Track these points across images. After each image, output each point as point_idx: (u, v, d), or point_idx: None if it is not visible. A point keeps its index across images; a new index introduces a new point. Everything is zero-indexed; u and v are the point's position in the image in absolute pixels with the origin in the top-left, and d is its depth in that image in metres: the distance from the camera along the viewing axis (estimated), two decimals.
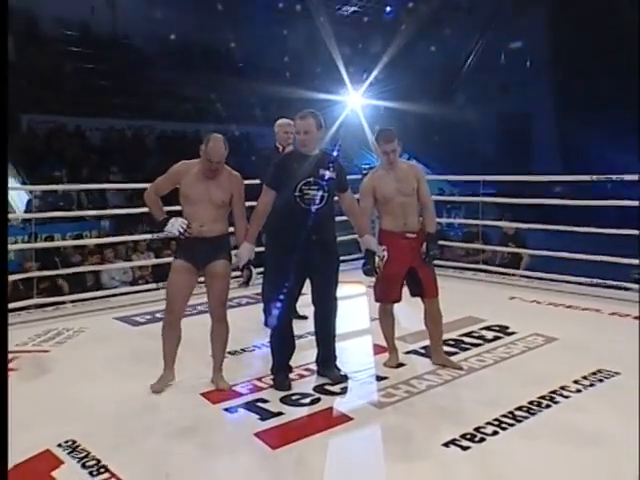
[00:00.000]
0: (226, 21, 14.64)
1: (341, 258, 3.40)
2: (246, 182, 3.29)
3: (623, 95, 11.65)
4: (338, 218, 3.44)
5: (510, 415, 2.81)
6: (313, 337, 3.40)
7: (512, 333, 4.05)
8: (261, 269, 4.30)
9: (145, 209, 3.42)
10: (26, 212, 8.60)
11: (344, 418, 2.84)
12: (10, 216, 6.03)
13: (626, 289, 5.08)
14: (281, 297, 3.22)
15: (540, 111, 16.10)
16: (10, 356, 3.72)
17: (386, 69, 14.42)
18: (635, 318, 4.30)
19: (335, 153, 3.34)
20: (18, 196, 9.63)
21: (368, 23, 17.23)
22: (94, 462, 2.48)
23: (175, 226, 3.07)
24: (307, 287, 3.29)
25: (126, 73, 13.16)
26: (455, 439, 2.59)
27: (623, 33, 11.92)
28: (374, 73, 14.32)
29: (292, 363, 3.34)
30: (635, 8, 11.38)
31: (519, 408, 2.88)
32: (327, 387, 3.20)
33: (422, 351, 3.71)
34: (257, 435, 2.67)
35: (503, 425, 2.72)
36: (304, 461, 2.51)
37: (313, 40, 14.38)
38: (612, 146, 11.68)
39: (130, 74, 13.20)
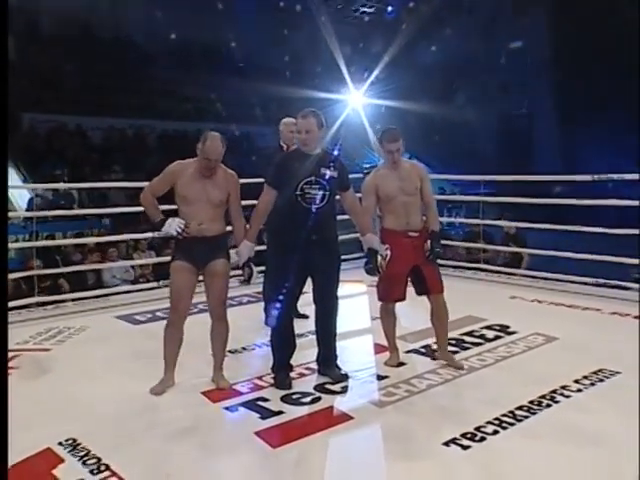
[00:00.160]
0: (226, 20, 14.66)
1: (342, 257, 3.40)
2: (247, 181, 3.30)
3: (623, 95, 11.64)
4: (339, 217, 3.44)
5: (511, 414, 2.81)
6: (314, 336, 3.40)
7: (513, 332, 4.05)
8: (262, 268, 4.30)
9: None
10: (27, 210, 8.60)
11: (345, 417, 2.84)
12: (12, 214, 6.03)
13: (626, 289, 5.08)
14: (282, 296, 3.22)
15: (540, 111, 16.10)
16: (11, 354, 3.73)
17: (387, 68, 14.42)
18: (635, 317, 4.30)
19: (336, 152, 3.34)
20: (19, 195, 9.64)
21: (369, 22, 17.23)
22: (95, 460, 2.48)
23: (173, 226, 3.06)
24: (308, 286, 3.29)
25: (127, 72, 13.17)
26: (456, 438, 2.59)
27: (623, 33, 11.91)
28: (375, 72, 14.32)
29: (293, 362, 3.34)
30: (635, 8, 11.38)
31: (520, 407, 2.88)
32: (328, 386, 3.20)
33: (423, 350, 3.71)
34: (257, 434, 2.68)
35: (504, 424, 2.72)
36: (304, 460, 2.51)
37: (314, 39, 14.38)
38: (613, 146, 11.68)
39: (131, 73, 13.21)
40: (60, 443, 2.61)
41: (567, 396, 3.03)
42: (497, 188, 7.15)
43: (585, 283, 5.32)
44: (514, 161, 12.37)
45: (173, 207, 3.27)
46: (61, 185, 9.70)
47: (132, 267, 6.93)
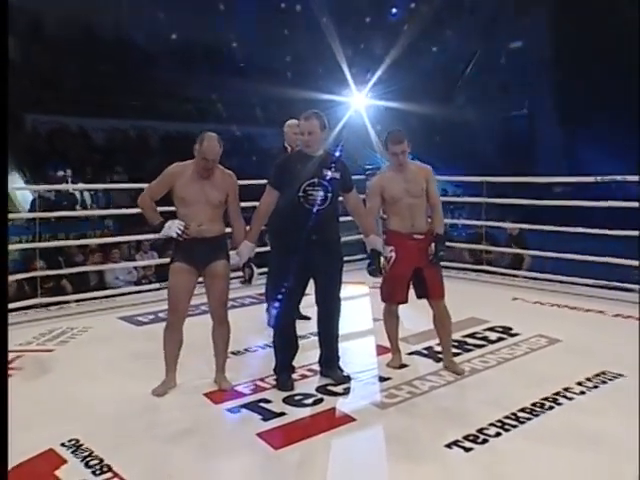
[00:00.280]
0: (228, 21, 14.69)
1: (345, 258, 3.40)
2: (249, 182, 3.30)
3: (625, 95, 11.63)
4: (342, 218, 3.44)
5: (513, 416, 2.81)
6: (316, 337, 3.40)
7: (515, 334, 4.05)
8: (264, 269, 4.30)
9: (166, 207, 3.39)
10: (30, 211, 8.61)
11: (347, 419, 2.84)
12: (14, 216, 6.04)
13: (629, 290, 5.07)
14: (285, 297, 3.23)
15: (542, 112, 16.09)
16: (14, 355, 3.74)
17: (389, 70, 14.42)
18: (637, 319, 4.29)
19: (337, 153, 3.34)
20: (22, 196, 9.66)
21: (371, 24, 17.22)
22: (97, 461, 2.48)
23: (172, 228, 3.05)
24: (310, 287, 3.29)
25: (129, 73, 13.19)
26: (458, 440, 2.59)
27: (624, 33, 11.90)
28: (378, 73, 14.32)
29: (295, 363, 3.34)
30: (635, 8, 11.38)
31: (522, 409, 2.88)
32: (330, 388, 3.20)
33: (425, 352, 3.71)
34: (260, 435, 2.68)
35: (506, 426, 2.72)
36: (307, 462, 2.51)
37: (316, 40, 14.38)
38: (613, 147, 11.66)
39: (133, 74, 13.24)
40: (63, 444, 2.62)
41: (570, 398, 3.02)
42: (499, 189, 7.15)
43: (585, 285, 5.31)
44: (515, 162, 12.37)
45: (169, 209, 3.26)
46: (64, 186, 9.72)
47: (135, 268, 6.94)
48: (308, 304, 3.48)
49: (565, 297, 5.14)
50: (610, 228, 5.11)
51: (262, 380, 3.30)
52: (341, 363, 3.35)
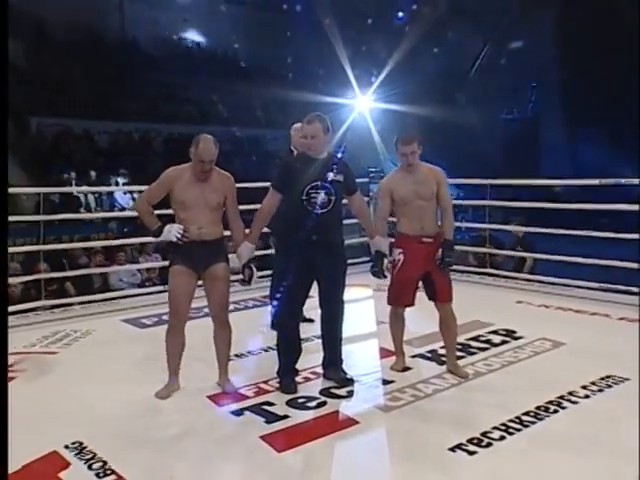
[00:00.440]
0: (233, 24, 14.74)
1: (348, 261, 3.39)
2: (250, 184, 3.29)
3: (628, 96, 11.61)
4: (345, 221, 3.43)
5: (517, 420, 2.80)
6: (319, 340, 3.40)
7: (519, 337, 4.03)
8: (267, 272, 4.29)
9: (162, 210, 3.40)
10: (34, 214, 8.63)
11: (350, 422, 2.83)
12: (17, 218, 6.07)
13: (634, 294, 5.04)
14: (288, 300, 3.23)
15: (548, 114, 16.08)
16: (18, 357, 3.75)
17: (393, 72, 14.43)
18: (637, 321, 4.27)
19: (339, 155, 3.34)
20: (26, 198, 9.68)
21: (376, 27, 17.24)
22: (100, 464, 2.48)
23: (172, 232, 3.04)
24: (314, 290, 3.29)
25: (134, 76, 13.25)
26: (462, 444, 2.58)
27: (632, 34, 11.87)
28: (381, 76, 14.33)
29: (298, 366, 3.33)
30: (635, 8, 11.37)
31: (526, 413, 2.86)
32: (333, 390, 3.19)
33: (429, 355, 3.70)
34: (263, 438, 2.67)
35: (510, 430, 2.71)
36: (310, 465, 2.50)
37: (320, 43, 14.41)
38: (620, 149, 11.64)
39: (138, 77, 13.30)
40: (66, 446, 2.62)
41: (574, 402, 3.01)
42: (504, 192, 7.13)
43: (590, 288, 5.28)
44: (522, 165, 12.36)
45: (166, 211, 3.24)
46: (69, 189, 9.75)
47: (139, 271, 6.95)
48: (312, 307, 3.47)
49: (570, 300, 5.11)
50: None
51: (265, 383, 3.29)
52: (344, 366, 3.35)
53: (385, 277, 3.38)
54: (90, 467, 2.47)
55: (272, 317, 3.98)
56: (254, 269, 3.22)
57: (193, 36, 15.56)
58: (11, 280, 5.22)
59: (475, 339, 4.01)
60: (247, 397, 3.12)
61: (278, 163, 3.57)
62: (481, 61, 16.89)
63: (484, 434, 2.66)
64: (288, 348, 3.29)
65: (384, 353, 3.71)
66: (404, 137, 3.31)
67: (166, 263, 3.29)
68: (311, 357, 3.45)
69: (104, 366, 3.65)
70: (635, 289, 5.05)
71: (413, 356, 3.66)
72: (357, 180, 3.40)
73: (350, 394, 3.16)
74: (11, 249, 5.80)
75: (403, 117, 13.89)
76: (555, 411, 2.91)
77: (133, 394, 3.17)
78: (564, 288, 5.46)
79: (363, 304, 4.95)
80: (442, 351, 3.59)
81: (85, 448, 2.61)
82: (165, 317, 4.52)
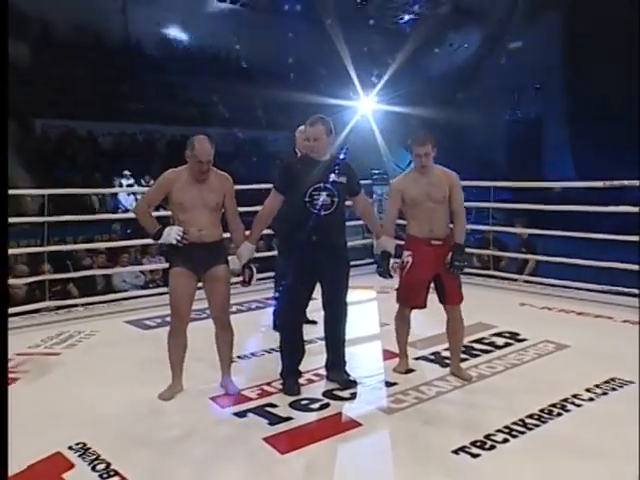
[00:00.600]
0: (235, 26, 14.77)
1: (352, 263, 3.39)
2: (251, 186, 3.29)
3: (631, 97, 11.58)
4: (348, 223, 3.43)
5: (521, 423, 2.79)
6: (323, 342, 3.40)
7: (523, 340, 4.03)
8: (270, 274, 4.29)
9: (157, 212, 3.41)
10: (39, 215, 8.66)
11: (353, 424, 2.83)
12: (20, 220, 6.09)
13: (637, 296, 5.02)
14: (291, 302, 3.23)
15: (552, 116, 16.05)
16: (22, 358, 3.76)
17: (397, 74, 14.43)
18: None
19: (342, 156, 3.34)
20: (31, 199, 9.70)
21: (381, 28, 17.25)
22: (104, 465, 2.49)
23: (172, 235, 3.04)
24: (317, 292, 3.29)
25: (138, 78, 13.28)
26: (465, 446, 2.58)
27: (636, 34, 11.84)
28: (385, 77, 14.33)
29: (301, 368, 3.33)
30: (635, 8, 11.35)
31: (530, 416, 2.86)
32: (336, 392, 3.19)
33: (432, 357, 3.70)
34: (266, 440, 2.67)
35: (514, 433, 2.70)
36: (313, 466, 2.50)
37: (323, 44, 14.43)
38: (625, 151, 11.60)
39: (141, 79, 13.33)
40: (70, 447, 2.63)
41: (578, 405, 3.00)
42: (509, 194, 7.12)
43: (595, 290, 5.26)
44: (525, 167, 12.34)
45: (163, 213, 3.24)
46: (74, 190, 9.77)
47: (142, 272, 6.96)
48: (315, 308, 3.48)
49: (573, 303, 5.10)
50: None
51: (268, 384, 3.29)
52: (347, 368, 3.35)
53: (391, 277, 3.37)
54: (94, 468, 2.47)
55: (275, 319, 3.99)
56: (254, 269, 3.22)
57: (194, 37, 15.59)
58: (15, 281, 5.25)
59: (478, 341, 4.01)
60: (250, 399, 3.12)
61: (279, 164, 3.57)
62: (485, 62, 16.86)
63: (487, 437, 2.65)
64: (291, 350, 3.29)
65: (387, 355, 3.71)
66: (418, 138, 3.29)
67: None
68: (314, 359, 3.44)
69: (107, 367, 3.65)
70: (636, 291, 5.04)
71: (416, 358, 3.66)
72: (360, 182, 3.40)
73: (353, 396, 3.16)
74: (15, 250, 5.83)
75: (407, 119, 13.87)
76: (559, 414, 2.90)
77: (136, 395, 3.17)
78: (567, 290, 5.45)
79: (366, 306, 4.95)
80: (445, 353, 3.59)
81: (89, 449, 2.61)
82: (168, 319, 4.53)
